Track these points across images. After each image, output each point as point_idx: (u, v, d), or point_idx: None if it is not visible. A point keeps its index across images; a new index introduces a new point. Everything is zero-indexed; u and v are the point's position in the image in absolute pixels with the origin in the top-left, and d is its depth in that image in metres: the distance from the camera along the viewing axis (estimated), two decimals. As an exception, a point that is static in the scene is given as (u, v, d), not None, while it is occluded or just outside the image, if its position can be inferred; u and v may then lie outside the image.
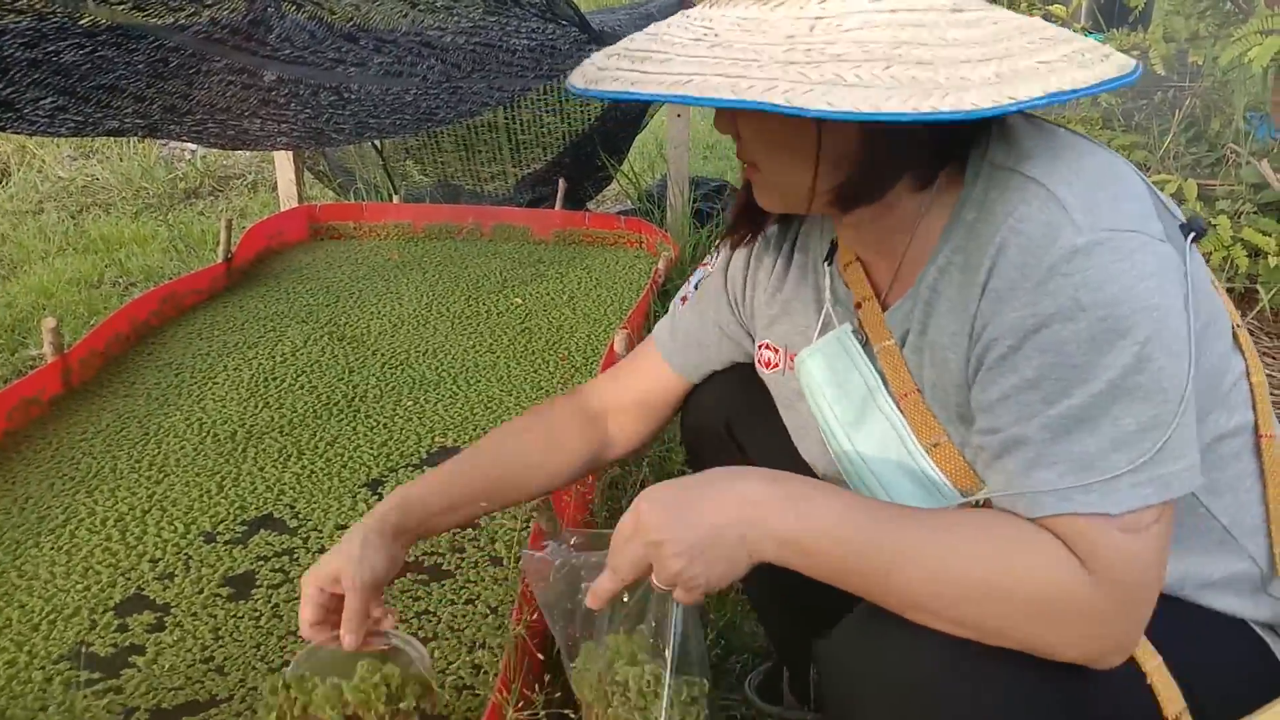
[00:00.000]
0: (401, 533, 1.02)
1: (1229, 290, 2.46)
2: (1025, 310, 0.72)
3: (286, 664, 1.20)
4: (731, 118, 0.80)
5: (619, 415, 1.15)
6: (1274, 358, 2.37)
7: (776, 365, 1.01)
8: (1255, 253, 2.38)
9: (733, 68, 0.68)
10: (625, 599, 0.85)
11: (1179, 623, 0.79)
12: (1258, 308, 2.41)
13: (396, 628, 1.02)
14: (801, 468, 0.99)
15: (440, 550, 1.58)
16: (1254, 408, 0.83)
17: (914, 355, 0.85)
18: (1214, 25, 2.59)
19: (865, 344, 0.90)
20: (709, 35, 0.71)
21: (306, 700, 0.95)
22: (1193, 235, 0.77)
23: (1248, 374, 0.83)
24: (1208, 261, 2.44)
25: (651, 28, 0.77)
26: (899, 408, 0.87)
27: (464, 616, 1.43)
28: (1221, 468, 0.81)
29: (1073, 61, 0.69)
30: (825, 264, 0.94)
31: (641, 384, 1.15)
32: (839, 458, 0.93)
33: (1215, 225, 2.40)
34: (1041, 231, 0.71)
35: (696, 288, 1.14)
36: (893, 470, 0.88)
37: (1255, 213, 2.46)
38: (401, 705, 0.96)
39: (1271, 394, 2.39)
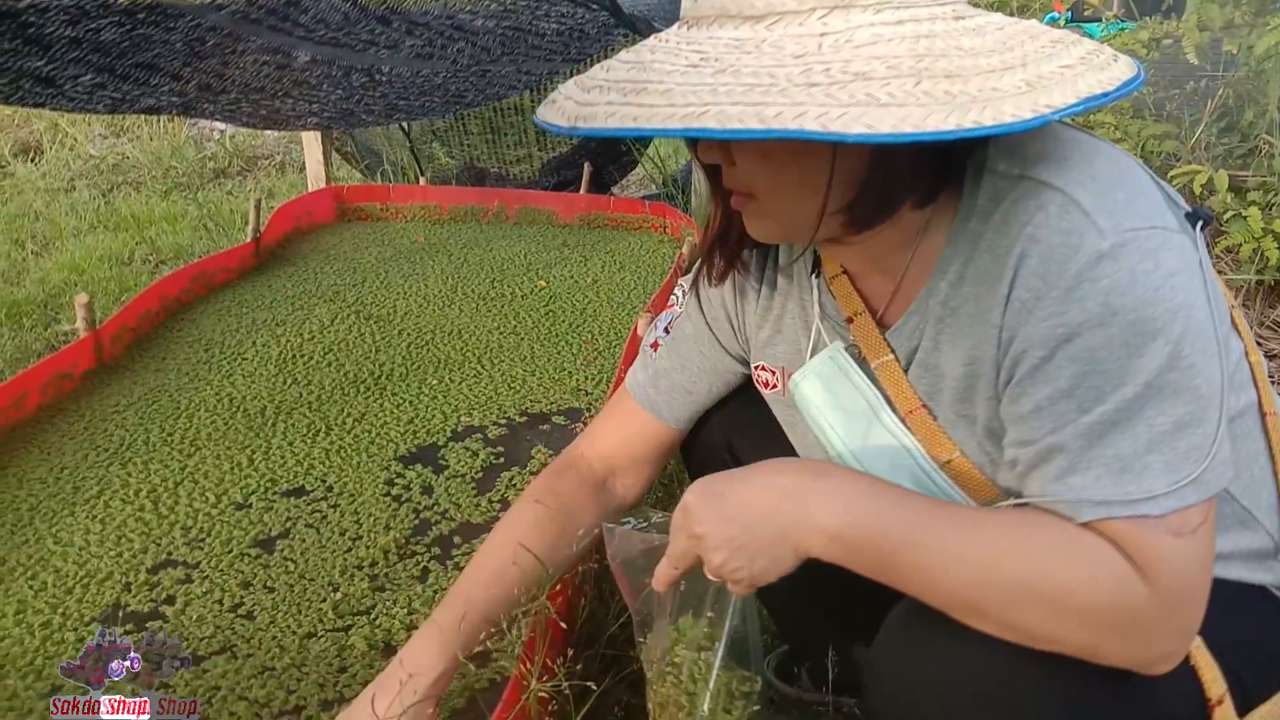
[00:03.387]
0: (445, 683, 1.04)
1: (1258, 283, 2.44)
2: (1054, 320, 0.69)
3: (315, 611, 1.41)
4: (725, 145, 0.76)
5: (623, 476, 1.12)
6: (1302, 351, 2.34)
7: (775, 386, 0.99)
8: (1286, 245, 2.35)
9: (749, 94, 0.63)
10: (682, 586, 0.85)
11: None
12: (1287, 301, 2.39)
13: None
14: None
15: (468, 527, 1.61)
16: (1256, 386, 0.82)
17: (923, 372, 0.83)
18: (1249, 13, 2.56)
19: (861, 361, 0.87)
20: (705, 61, 0.66)
21: None
22: (1201, 223, 0.74)
23: (1246, 353, 0.82)
24: (1237, 253, 2.42)
25: (628, 54, 0.73)
26: (906, 425, 0.84)
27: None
28: (1236, 449, 0.78)
29: (1089, 64, 0.66)
30: (813, 277, 0.91)
31: (635, 442, 1.11)
32: None
33: (1246, 216, 2.37)
34: (1062, 239, 0.69)
35: (667, 331, 1.10)
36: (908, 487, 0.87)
37: (1287, 205, 2.43)
38: None
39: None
